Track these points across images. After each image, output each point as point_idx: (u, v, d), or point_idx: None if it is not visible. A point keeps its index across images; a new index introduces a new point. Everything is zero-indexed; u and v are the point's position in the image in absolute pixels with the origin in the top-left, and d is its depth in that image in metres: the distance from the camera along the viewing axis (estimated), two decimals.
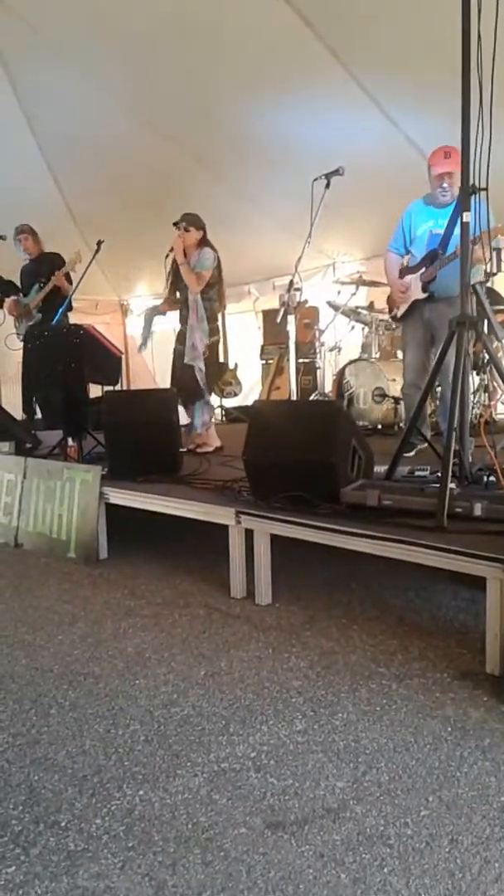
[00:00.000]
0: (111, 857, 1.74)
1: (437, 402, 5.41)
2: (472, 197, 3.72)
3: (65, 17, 6.18)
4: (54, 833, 1.84)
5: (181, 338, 5.49)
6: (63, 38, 6.50)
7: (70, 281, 6.38)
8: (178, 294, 5.51)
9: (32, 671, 2.86)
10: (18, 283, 6.67)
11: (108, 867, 1.71)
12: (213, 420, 5.80)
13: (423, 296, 4.82)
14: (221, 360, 5.98)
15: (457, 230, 4.39)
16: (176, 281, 5.49)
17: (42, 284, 6.33)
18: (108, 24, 6.17)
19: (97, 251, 6.07)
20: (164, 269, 5.60)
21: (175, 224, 5.39)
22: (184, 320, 5.48)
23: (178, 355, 5.50)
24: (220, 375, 5.99)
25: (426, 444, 4.29)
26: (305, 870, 1.67)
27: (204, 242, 5.41)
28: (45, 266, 6.41)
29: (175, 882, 1.65)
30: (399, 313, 5.14)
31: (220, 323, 5.63)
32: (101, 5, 5.94)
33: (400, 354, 7.27)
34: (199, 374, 5.36)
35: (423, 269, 4.81)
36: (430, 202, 4.90)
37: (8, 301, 6.63)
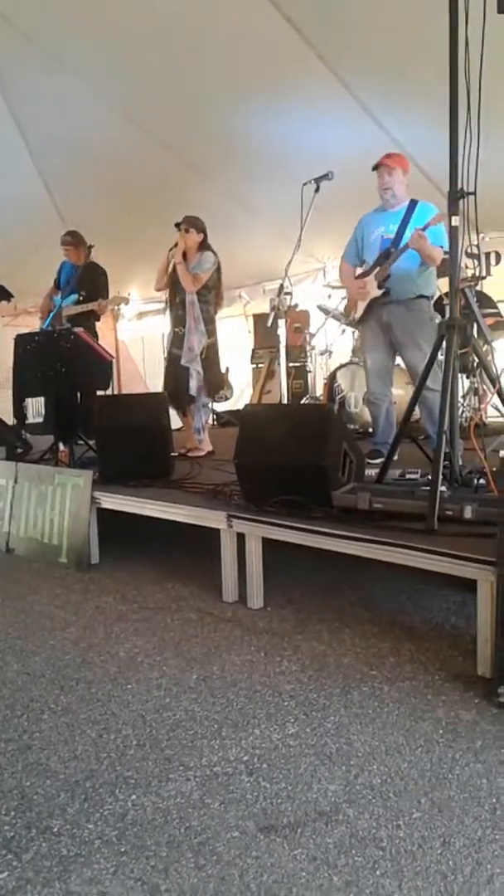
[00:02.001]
0: (104, 862, 1.74)
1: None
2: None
3: (58, 24, 6.17)
4: (47, 838, 1.84)
5: (177, 342, 5.48)
6: (56, 45, 6.49)
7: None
8: (177, 297, 5.49)
9: (24, 676, 2.86)
10: (55, 278, 6.76)
11: (101, 872, 1.70)
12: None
13: (378, 293, 4.79)
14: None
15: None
16: (176, 281, 5.48)
17: (81, 298, 6.38)
18: (101, 31, 6.17)
19: (87, 256, 6.08)
20: (161, 261, 5.58)
21: (177, 225, 5.39)
22: (178, 322, 5.47)
23: (174, 359, 5.50)
24: (222, 378, 5.92)
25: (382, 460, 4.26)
26: (298, 873, 1.67)
27: (205, 245, 5.41)
28: (87, 280, 6.44)
29: (168, 886, 1.65)
30: (357, 315, 5.07)
31: (216, 325, 5.62)
32: (94, 12, 5.94)
33: None
34: (197, 377, 5.36)
35: (378, 268, 4.80)
36: (380, 209, 4.93)
37: (43, 299, 6.79)
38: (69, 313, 6.38)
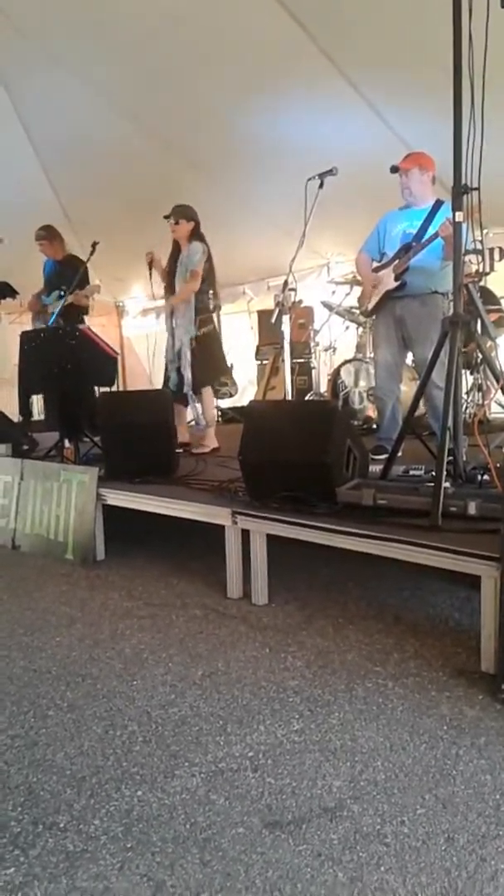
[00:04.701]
0: (110, 858, 1.75)
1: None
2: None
3: (60, 21, 6.18)
4: (53, 834, 1.85)
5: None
6: (58, 43, 6.51)
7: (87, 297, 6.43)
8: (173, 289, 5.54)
9: (30, 673, 2.87)
10: (42, 277, 6.73)
11: (107, 868, 1.72)
12: (200, 420, 5.80)
13: (394, 285, 4.80)
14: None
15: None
16: (172, 276, 5.52)
17: (62, 294, 6.35)
18: (103, 28, 6.17)
19: (92, 253, 6.08)
20: (147, 272, 5.64)
21: (166, 217, 5.42)
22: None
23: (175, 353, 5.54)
24: (222, 368, 5.97)
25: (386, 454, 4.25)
26: (303, 869, 1.68)
27: (195, 234, 5.43)
28: (68, 273, 6.41)
29: (173, 882, 1.66)
30: (370, 305, 5.09)
31: (214, 314, 5.65)
32: (96, 9, 5.94)
33: None
34: (186, 372, 5.42)
35: (397, 261, 4.81)
36: (404, 207, 4.95)
37: (31, 297, 6.73)
38: (53, 310, 6.36)
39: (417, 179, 4.77)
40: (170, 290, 5.62)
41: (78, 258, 6.53)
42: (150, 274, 5.77)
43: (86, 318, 6.55)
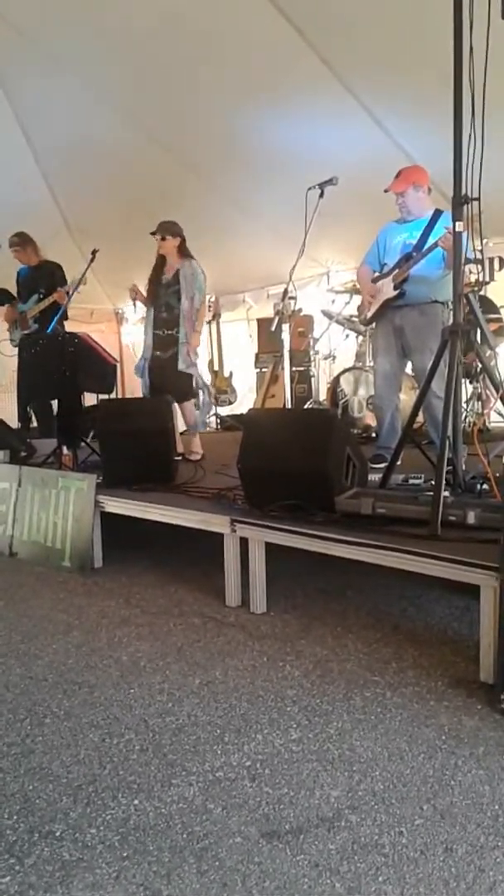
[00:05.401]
0: (106, 867, 1.74)
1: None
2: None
3: (61, 26, 6.20)
4: (49, 843, 1.84)
5: (162, 345, 5.59)
6: (58, 47, 6.53)
7: (68, 293, 6.34)
8: (160, 300, 5.61)
9: (27, 680, 2.86)
10: (16, 287, 6.65)
11: (103, 877, 1.70)
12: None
13: (393, 294, 4.82)
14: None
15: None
16: (158, 286, 5.61)
17: (41, 296, 6.29)
18: (104, 32, 6.19)
19: (92, 260, 6.07)
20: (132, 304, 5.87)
21: (153, 233, 5.48)
22: (164, 326, 5.57)
23: (159, 362, 5.60)
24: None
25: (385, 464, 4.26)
26: (300, 879, 1.67)
27: (182, 250, 5.52)
28: (44, 277, 6.35)
29: (170, 892, 1.65)
30: (369, 314, 5.12)
31: None
32: (96, 13, 5.96)
33: None
34: (200, 379, 5.54)
35: (397, 270, 4.83)
36: (401, 220, 4.99)
37: (4, 307, 6.62)
38: (33, 314, 6.30)
39: (413, 197, 4.82)
40: (152, 301, 5.68)
41: (53, 262, 6.47)
42: (135, 306, 6.01)
43: (65, 323, 6.47)
